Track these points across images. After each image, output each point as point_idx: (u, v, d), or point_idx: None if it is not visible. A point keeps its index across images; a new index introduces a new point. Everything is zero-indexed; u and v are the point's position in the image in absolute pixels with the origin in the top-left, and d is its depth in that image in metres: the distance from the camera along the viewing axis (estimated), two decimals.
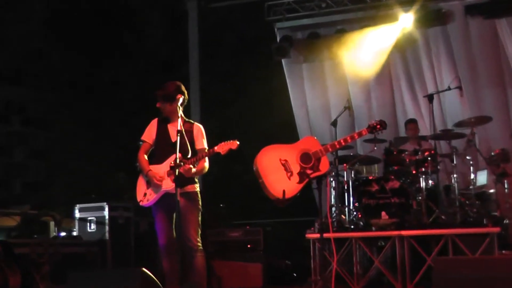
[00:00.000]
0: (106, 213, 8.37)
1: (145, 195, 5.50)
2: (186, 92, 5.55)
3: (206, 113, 10.96)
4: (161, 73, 10.55)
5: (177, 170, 4.94)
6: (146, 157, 5.60)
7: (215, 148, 5.26)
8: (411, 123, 8.74)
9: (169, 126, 5.58)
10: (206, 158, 5.47)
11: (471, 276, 4.68)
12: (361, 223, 7.35)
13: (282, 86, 10.61)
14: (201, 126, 5.66)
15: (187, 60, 11.15)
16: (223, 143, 5.25)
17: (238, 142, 5.24)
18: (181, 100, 5.39)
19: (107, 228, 8.29)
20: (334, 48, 9.96)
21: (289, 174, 5.31)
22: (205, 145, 5.56)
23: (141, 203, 5.53)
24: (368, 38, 9.82)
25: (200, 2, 10.79)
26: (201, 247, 5.44)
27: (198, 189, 5.56)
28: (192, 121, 5.69)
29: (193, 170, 5.30)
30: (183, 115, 5.42)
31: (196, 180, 5.56)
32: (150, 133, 5.64)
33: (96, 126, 10.41)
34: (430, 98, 8.05)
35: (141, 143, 5.67)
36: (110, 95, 10.50)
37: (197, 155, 5.36)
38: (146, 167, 5.50)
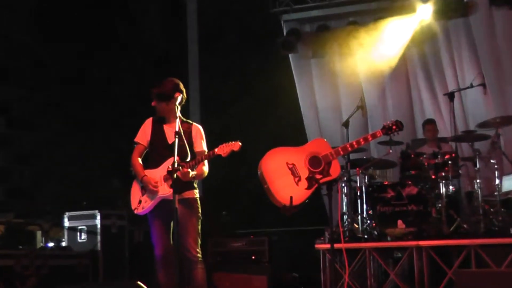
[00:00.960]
0: (98, 221, 8.38)
1: (140, 203, 5.50)
2: (184, 91, 5.55)
3: (206, 112, 10.95)
4: (158, 68, 10.54)
5: (174, 175, 4.93)
6: (140, 160, 5.59)
7: (216, 150, 5.26)
8: (429, 124, 8.72)
9: (165, 127, 5.58)
10: (206, 162, 5.47)
11: None
12: (376, 232, 7.33)
13: (289, 84, 10.60)
14: (200, 126, 5.66)
15: (185, 55, 11.15)
16: (224, 144, 5.25)
17: (240, 143, 5.24)
18: (179, 99, 5.39)
19: (99, 238, 8.29)
20: (345, 42, 9.94)
21: (296, 179, 5.30)
22: (205, 147, 5.57)
23: (135, 211, 5.53)
24: (382, 31, 9.79)
25: None
26: (201, 259, 5.44)
27: (197, 195, 5.56)
28: (191, 121, 5.69)
29: (192, 174, 5.30)
30: (181, 115, 5.42)
31: (196, 185, 5.56)
32: (144, 134, 5.64)
33: (87, 126, 10.39)
34: (450, 96, 8.04)
35: (134, 145, 5.67)
36: (103, 92, 10.49)
37: (196, 158, 5.36)
38: (141, 171, 5.50)
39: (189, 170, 5.27)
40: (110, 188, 9.92)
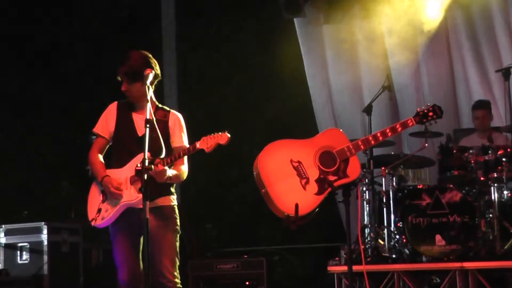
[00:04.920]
0: (44, 237, 8.40)
1: (99, 212, 5.51)
2: (157, 65, 5.57)
3: (186, 94, 10.96)
4: (121, 36, 10.54)
5: (145, 175, 4.95)
6: (101, 157, 5.62)
7: (197, 144, 5.28)
8: (481, 109, 8.71)
9: (135, 115, 5.59)
10: (185, 159, 5.50)
11: None
12: (407, 251, 7.38)
13: (294, 57, 10.60)
14: (179, 115, 5.67)
15: (158, 18, 11.13)
16: (208, 136, 5.27)
17: (229, 135, 5.27)
18: (150, 77, 5.41)
19: (45, 258, 8.32)
20: (368, 2, 9.95)
21: (304, 181, 5.33)
22: (186, 142, 5.58)
23: (93, 223, 5.55)
24: None
25: None
26: (179, 285, 5.47)
27: (175, 202, 5.58)
28: (168, 108, 5.71)
29: (169, 173, 5.33)
30: (154, 98, 5.44)
31: (173, 190, 5.59)
32: (106, 124, 5.65)
33: (29, 113, 10.41)
34: (505, 73, 8.06)
35: (94, 137, 5.69)
36: (49, 68, 10.50)
37: (173, 154, 5.38)
38: (101, 171, 5.51)
39: (166, 168, 5.29)
40: (60, 193, 9.94)
